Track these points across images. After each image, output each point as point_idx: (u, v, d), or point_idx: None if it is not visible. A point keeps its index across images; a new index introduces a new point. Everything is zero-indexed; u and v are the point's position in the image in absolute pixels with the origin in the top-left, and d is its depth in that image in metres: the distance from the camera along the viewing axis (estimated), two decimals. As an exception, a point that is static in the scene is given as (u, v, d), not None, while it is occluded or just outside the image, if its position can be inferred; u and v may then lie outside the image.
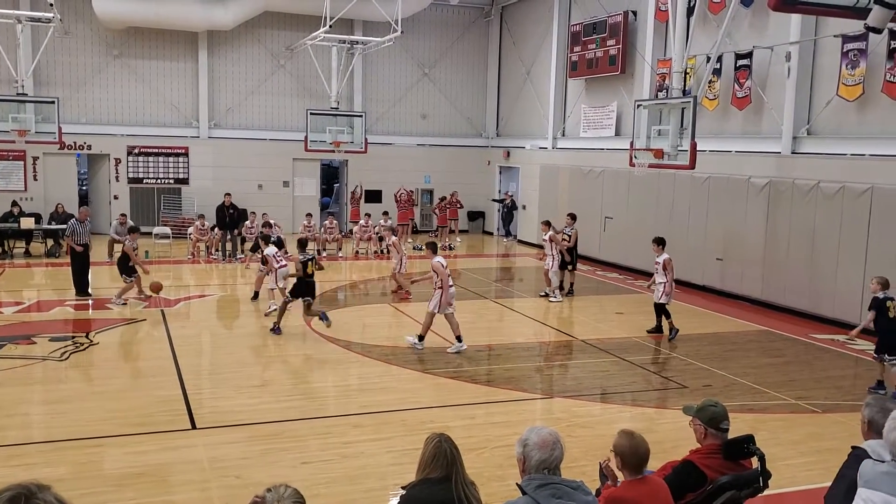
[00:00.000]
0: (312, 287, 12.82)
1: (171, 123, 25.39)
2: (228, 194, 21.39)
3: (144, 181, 25.02)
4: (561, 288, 16.38)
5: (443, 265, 11.78)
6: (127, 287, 14.66)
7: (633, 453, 4.33)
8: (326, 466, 7.41)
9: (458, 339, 11.73)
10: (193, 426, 8.44)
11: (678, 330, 13.02)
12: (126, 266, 14.77)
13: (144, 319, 13.47)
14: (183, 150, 25.29)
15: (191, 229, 21.13)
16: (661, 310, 13.28)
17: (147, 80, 24.96)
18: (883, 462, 3.74)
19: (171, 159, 25.26)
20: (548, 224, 16.67)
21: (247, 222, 21.65)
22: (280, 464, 7.40)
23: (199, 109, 25.53)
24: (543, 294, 16.45)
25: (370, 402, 9.39)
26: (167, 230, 22.25)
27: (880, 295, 10.34)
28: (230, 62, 25.78)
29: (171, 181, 25.28)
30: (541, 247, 23.28)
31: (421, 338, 11.79)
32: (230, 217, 20.78)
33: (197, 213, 22.17)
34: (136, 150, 24.85)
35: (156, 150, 25.04)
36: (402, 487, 4.16)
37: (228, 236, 20.88)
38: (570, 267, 16.71)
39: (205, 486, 6.90)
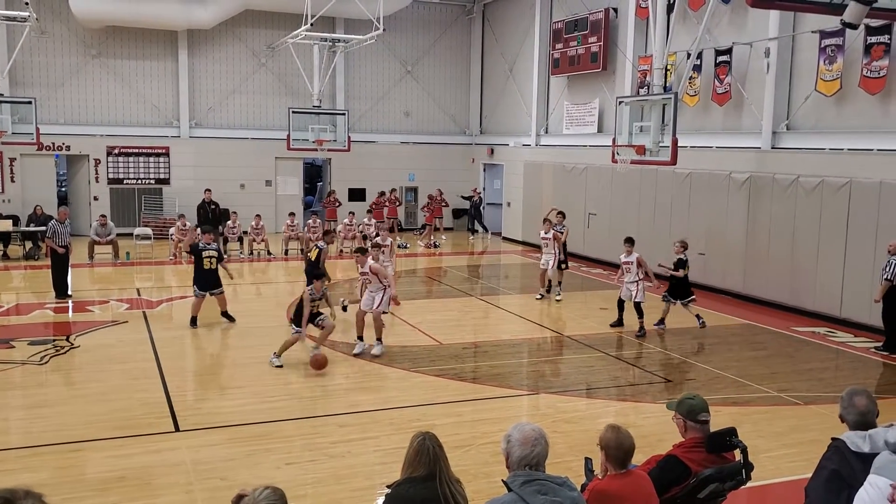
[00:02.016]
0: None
1: (152, 123, 25.21)
2: (209, 190, 21.28)
3: (125, 182, 24.83)
4: (548, 288, 16.24)
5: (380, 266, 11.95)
6: (290, 341, 11.10)
7: (617, 447, 4.36)
8: (312, 466, 7.39)
9: (379, 340, 11.53)
10: (177, 428, 8.38)
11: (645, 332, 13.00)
12: (299, 316, 11.20)
13: (126, 322, 13.37)
14: (164, 150, 25.12)
15: (172, 230, 20.99)
16: (639, 307, 13.15)
17: (126, 79, 24.77)
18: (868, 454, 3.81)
19: (151, 159, 25.08)
20: (555, 218, 16.49)
21: (228, 222, 21.55)
22: (265, 465, 7.38)
23: (180, 109, 25.37)
24: (540, 297, 15.98)
25: (356, 401, 9.37)
26: (148, 231, 22.10)
27: None
28: (211, 61, 25.63)
29: (152, 181, 25.10)
30: (531, 244, 23.43)
31: (379, 340, 11.56)
32: (212, 213, 20.62)
33: (178, 214, 22.03)
34: (116, 151, 24.65)
35: (136, 151, 24.85)
36: (388, 486, 4.16)
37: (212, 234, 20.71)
38: (563, 266, 16.67)
39: (189, 489, 6.86)
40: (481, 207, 26.93)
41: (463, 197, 27.53)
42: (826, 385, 10.41)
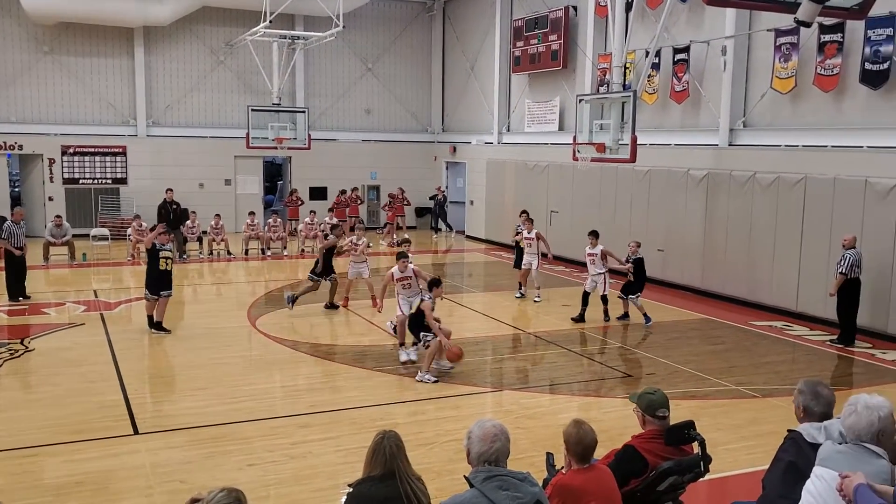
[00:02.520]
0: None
1: (108, 122, 24.76)
2: (170, 190, 20.95)
3: (80, 181, 24.35)
4: (520, 286, 16.28)
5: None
6: (429, 354, 10.39)
7: (577, 442, 4.39)
8: (274, 468, 7.32)
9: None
10: (136, 431, 8.25)
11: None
12: (421, 324, 10.67)
13: (83, 324, 13.12)
14: (120, 150, 24.69)
15: (129, 230, 20.64)
16: (604, 299, 13.83)
17: (81, 77, 24.29)
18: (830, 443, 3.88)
19: (108, 159, 24.63)
20: (531, 220, 16.51)
21: (188, 222, 21.27)
22: (225, 466, 7.29)
23: (137, 107, 24.96)
24: (520, 295, 15.98)
25: (318, 401, 9.31)
26: (105, 231, 21.71)
27: None
28: (168, 59, 25.25)
29: (109, 181, 24.66)
30: (494, 242, 23.51)
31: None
32: (174, 213, 20.32)
33: (135, 214, 21.64)
34: (72, 150, 24.17)
35: (92, 150, 24.38)
36: (350, 485, 4.14)
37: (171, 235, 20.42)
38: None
39: (148, 493, 6.76)
40: (445, 206, 26.96)
41: (430, 198, 27.49)
42: (783, 378, 10.59)
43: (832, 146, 13.90)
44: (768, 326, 13.70)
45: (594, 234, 14.02)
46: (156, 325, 12.53)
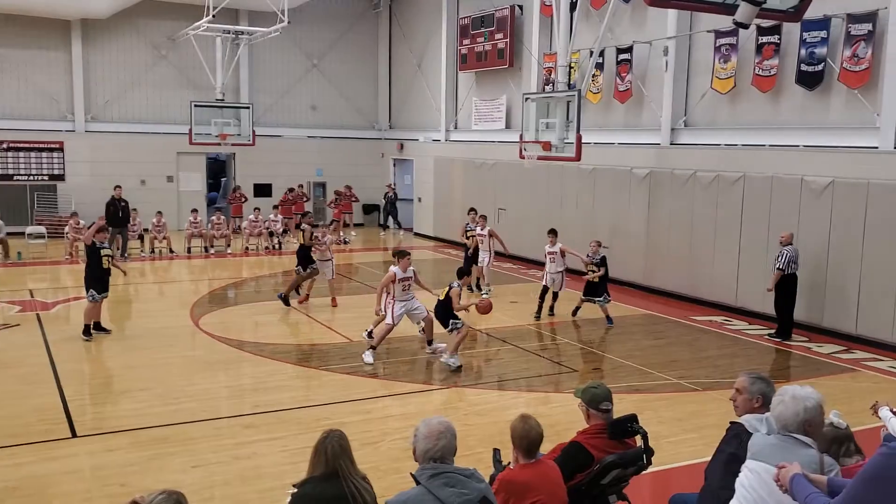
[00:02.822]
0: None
1: (44, 117, 24.03)
2: (118, 187, 20.43)
3: (15, 178, 23.59)
4: (478, 282, 16.40)
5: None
6: (458, 339, 10.73)
7: (523, 436, 4.43)
8: (218, 469, 7.21)
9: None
10: (74, 434, 8.04)
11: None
12: (448, 311, 10.92)
13: (18, 325, 12.73)
14: (58, 145, 24.00)
15: (67, 228, 20.09)
16: (556, 295, 14.15)
17: (14, 70, 23.51)
18: (768, 435, 3.96)
19: (44, 154, 23.92)
20: (484, 217, 16.54)
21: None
22: (168, 469, 7.15)
23: (75, 102, 24.29)
24: (487, 292, 15.89)
25: (263, 401, 9.20)
26: (42, 229, 21.10)
27: None
28: (107, 52, 24.63)
29: (46, 178, 23.95)
30: (442, 240, 23.50)
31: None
32: (122, 211, 19.88)
33: (72, 211, 21.07)
34: (5, 145, 23.40)
35: (27, 145, 23.65)
36: (295, 486, 4.10)
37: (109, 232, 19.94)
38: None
39: (87, 497, 6.60)
40: (396, 203, 26.85)
41: (384, 196, 27.31)
42: (723, 372, 10.83)
43: (770, 145, 14.27)
44: (709, 321, 14.00)
45: (553, 233, 14.28)
46: (96, 327, 12.08)
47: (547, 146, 14.41)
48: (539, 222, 17.41)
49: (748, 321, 13.94)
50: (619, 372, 10.62)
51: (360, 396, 9.46)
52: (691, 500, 4.71)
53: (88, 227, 12.46)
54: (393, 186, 27.15)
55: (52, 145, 23.95)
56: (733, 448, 4.27)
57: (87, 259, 12.12)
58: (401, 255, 11.42)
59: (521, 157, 15.48)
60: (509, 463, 4.96)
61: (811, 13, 11.40)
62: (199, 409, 8.93)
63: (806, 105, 13.80)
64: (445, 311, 10.84)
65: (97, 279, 11.92)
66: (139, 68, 25.06)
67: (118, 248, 19.20)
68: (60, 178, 24.08)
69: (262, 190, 26.21)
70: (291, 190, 24.78)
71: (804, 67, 13.46)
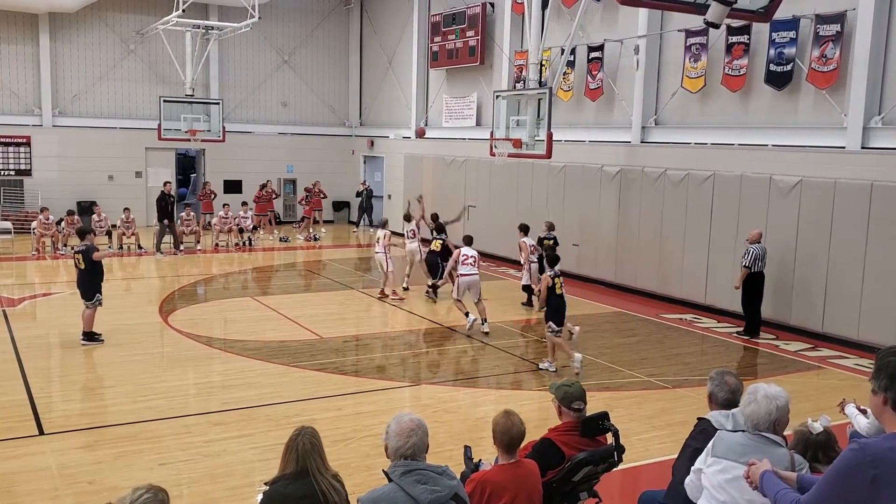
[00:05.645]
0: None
1: (11, 111, 23.60)
2: (168, 182, 20.78)
3: (-21, 173, 23.19)
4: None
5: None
6: (560, 343, 10.74)
7: (504, 432, 4.44)
8: (187, 466, 7.14)
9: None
10: (41, 432, 7.92)
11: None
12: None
13: (-18, 321, 12.50)
14: (24, 140, 23.55)
15: (35, 223, 19.76)
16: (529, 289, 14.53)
17: (-20, 63, 23.10)
18: (731, 432, 4.00)
19: (10, 149, 23.45)
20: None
21: (94, 216, 20.55)
22: (136, 466, 7.07)
23: (42, 96, 23.87)
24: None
25: (232, 398, 9.13)
26: (8, 225, 20.73)
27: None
28: (75, 46, 24.23)
29: (12, 173, 23.49)
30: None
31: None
32: (172, 206, 20.36)
33: (41, 207, 20.73)
34: (-30, 140, 22.97)
35: (-8, 140, 23.24)
36: (266, 483, 4.08)
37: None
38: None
39: (54, 495, 6.50)
40: (371, 200, 26.70)
41: (357, 194, 27.16)
42: (692, 369, 10.95)
43: (739, 144, 14.43)
44: (678, 319, 14.13)
45: (522, 229, 14.91)
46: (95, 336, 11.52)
47: (517, 143, 14.45)
48: (510, 220, 17.45)
49: (717, 319, 14.09)
50: (590, 369, 10.68)
51: (330, 393, 9.43)
52: (661, 497, 4.76)
53: (80, 237, 11.83)
54: (367, 184, 27.03)
55: (19, 140, 23.51)
56: (699, 443, 4.31)
57: (87, 265, 11.33)
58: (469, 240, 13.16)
59: (492, 154, 15.50)
60: (480, 460, 4.96)
61: (780, 13, 11.55)
62: (167, 406, 8.84)
63: (775, 105, 13.98)
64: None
65: (100, 284, 11.46)
66: (108, 63, 24.69)
67: (170, 243, 20.14)
68: (27, 173, 23.64)
69: (233, 186, 25.95)
70: (264, 186, 24.57)
71: (773, 67, 13.64)
